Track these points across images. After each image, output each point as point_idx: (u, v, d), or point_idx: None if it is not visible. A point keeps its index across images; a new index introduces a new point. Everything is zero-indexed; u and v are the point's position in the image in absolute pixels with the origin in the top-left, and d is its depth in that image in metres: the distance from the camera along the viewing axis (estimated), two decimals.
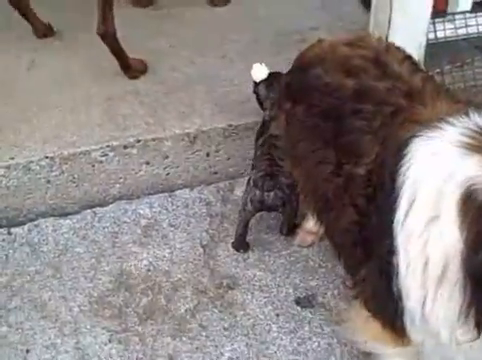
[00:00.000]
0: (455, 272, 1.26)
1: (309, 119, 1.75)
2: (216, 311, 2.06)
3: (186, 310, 2.07)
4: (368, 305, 1.60)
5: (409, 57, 1.78)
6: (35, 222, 2.40)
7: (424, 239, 1.30)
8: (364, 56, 1.72)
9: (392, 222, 1.36)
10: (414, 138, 1.38)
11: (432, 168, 1.32)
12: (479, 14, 2.59)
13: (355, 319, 1.74)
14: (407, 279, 1.36)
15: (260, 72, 2.36)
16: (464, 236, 1.23)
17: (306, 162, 1.77)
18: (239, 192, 2.41)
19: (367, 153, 1.53)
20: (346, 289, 2.02)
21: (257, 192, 2.11)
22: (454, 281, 1.27)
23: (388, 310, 1.47)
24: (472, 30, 2.57)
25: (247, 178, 2.22)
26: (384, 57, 1.72)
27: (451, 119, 1.37)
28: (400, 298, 1.39)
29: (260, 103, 2.38)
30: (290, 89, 1.91)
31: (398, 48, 1.82)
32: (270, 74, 2.36)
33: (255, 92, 2.39)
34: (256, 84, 2.38)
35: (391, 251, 1.37)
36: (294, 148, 1.85)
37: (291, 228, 2.27)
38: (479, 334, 1.29)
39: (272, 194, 2.10)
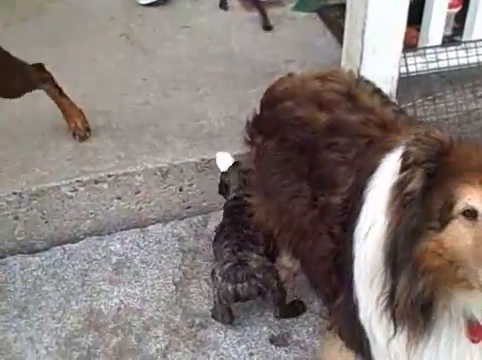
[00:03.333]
0: (380, 266, 1.29)
1: (281, 153, 1.74)
2: (188, 351, 2.00)
3: (157, 350, 2.01)
4: (341, 332, 1.60)
5: (378, 90, 1.80)
6: (2, 260, 2.33)
7: (367, 241, 1.34)
8: (336, 90, 1.73)
9: (353, 233, 1.39)
10: (384, 161, 1.40)
11: (386, 178, 1.33)
12: (450, 48, 2.60)
13: (329, 350, 1.73)
14: (358, 287, 1.39)
15: (225, 160, 2.27)
16: (388, 221, 1.26)
17: (279, 196, 1.75)
18: (212, 226, 2.37)
19: (342, 183, 1.53)
20: (323, 318, 2.01)
21: (229, 286, 1.91)
22: (379, 277, 1.30)
23: (356, 336, 1.47)
24: (443, 64, 2.58)
25: (211, 272, 2.05)
26: (354, 90, 1.72)
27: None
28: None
29: (226, 187, 2.25)
30: (260, 123, 1.90)
31: (368, 81, 1.83)
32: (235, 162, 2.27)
33: (223, 179, 2.26)
34: (224, 173, 2.27)
35: (351, 260, 1.39)
36: (266, 182, 1.82)
37: (284, 309, 2.04)
38: (395, 328, 1.28)
39: (246, 284, 1.91)
